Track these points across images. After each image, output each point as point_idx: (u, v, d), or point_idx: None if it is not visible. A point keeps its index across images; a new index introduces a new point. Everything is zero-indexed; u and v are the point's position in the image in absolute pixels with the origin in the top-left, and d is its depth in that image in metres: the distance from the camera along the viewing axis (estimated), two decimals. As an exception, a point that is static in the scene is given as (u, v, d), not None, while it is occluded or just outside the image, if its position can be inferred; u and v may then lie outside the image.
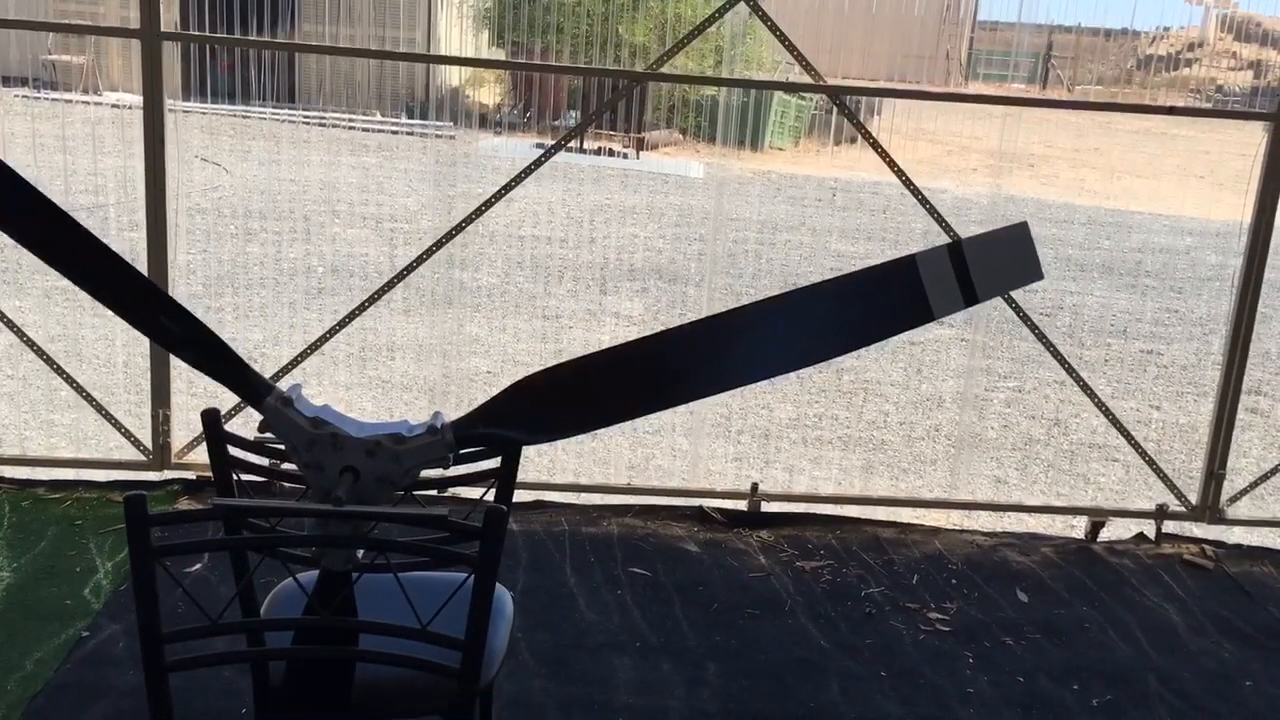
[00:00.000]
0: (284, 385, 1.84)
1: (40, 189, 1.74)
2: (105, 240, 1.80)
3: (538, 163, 4.19)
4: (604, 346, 1.86)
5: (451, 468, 2.14)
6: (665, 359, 1.79)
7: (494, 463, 2.19)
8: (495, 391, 1.86)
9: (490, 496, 2.20)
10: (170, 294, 4.01)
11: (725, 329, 1.77)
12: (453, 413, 1.89)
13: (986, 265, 1.76)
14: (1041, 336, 4.31)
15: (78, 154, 6.55)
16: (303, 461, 1.79)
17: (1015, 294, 4.34)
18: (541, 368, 1.84)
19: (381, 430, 1.81)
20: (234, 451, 2.10)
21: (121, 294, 1.80)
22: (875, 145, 4.19)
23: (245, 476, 2.14)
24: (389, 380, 5.73)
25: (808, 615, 3.64)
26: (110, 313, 1.85)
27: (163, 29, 3.82)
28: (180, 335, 1.81)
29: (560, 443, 4.88)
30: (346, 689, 1.80)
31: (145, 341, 4.08)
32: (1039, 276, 1.80)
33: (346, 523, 1.73)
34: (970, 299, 1.77)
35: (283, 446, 1.83)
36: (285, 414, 1.78)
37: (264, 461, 2.14)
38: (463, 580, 1.78)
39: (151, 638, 1.72)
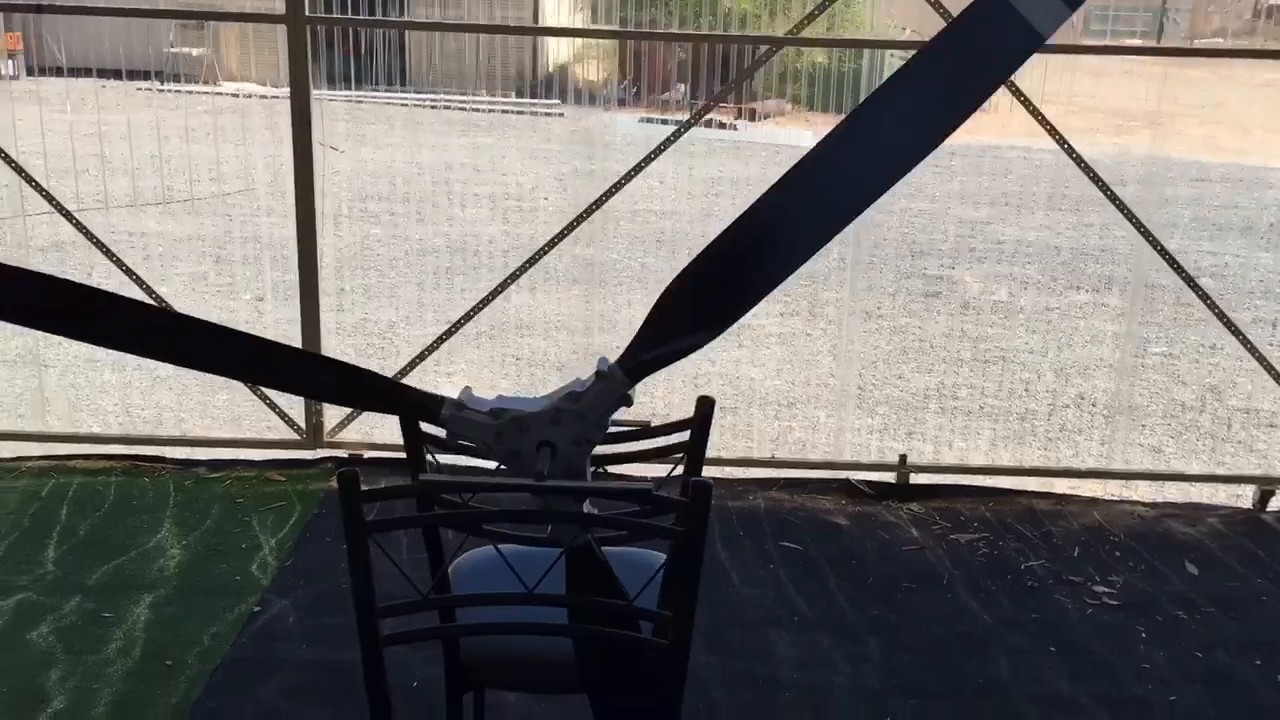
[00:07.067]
0: (450, 392, 1.83)
1: (155, 306, 1.65)
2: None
3: (673, 137, 4.16)
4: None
5: (644, 442, 2.13)
6: (795, 203, 1.71)
7: (683, 435, 2.17)
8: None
9: (679, 472, 2.18)
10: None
11: (846, 142, 1.66)
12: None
13: None
14: (1205, 297, 4.13)
15: (203, 143, 6.71)
16: (498, 455, 1.78)
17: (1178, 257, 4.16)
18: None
19: (556, 396, 1.79)
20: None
21: (278, 372, 1.81)
22: (1030, 108, 4.06)
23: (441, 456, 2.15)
24: (520, 356, 5.76)
25: (967, 589, 3.56)
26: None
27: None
28: (342, 386, 1.82)
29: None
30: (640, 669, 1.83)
31: (296, 322, 4.15)
32: None
33: (567, 497, 1.73)
34: (1074, 1, 1.65)
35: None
36: (465, 418, 1.77)
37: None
38: (662, 559, 1.76)
39: (367, 611, 1.74)
